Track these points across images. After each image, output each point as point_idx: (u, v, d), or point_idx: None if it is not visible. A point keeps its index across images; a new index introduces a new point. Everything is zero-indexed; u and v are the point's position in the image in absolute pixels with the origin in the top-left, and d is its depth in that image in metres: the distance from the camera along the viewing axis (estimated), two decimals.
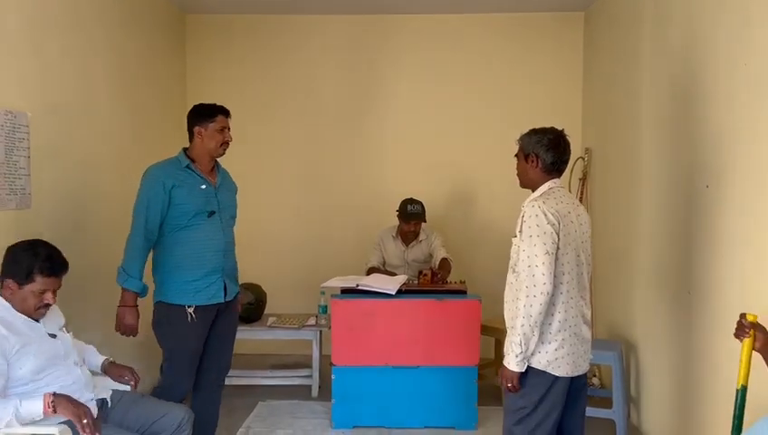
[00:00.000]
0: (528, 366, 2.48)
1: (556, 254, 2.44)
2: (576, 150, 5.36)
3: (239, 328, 4.57)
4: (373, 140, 5.59)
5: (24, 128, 3.12)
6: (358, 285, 3.99)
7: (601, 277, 4.87)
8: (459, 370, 3.94)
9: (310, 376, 4.66)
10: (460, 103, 5.53)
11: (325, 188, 5.61)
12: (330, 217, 5.58)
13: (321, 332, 4.61)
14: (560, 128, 2.67)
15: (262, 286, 4.85)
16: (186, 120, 3.20)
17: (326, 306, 4.60)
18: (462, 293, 4.07)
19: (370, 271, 4.54)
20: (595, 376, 4.66)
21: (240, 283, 4.78)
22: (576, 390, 2.61)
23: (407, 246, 4.69)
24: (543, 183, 2.60)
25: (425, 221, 4.64)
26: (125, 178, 4.19)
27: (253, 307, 4.70)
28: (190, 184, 3.06)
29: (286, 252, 5.58)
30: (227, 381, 4.66)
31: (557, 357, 2.48)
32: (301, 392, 4.63)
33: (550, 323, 2.47)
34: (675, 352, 3.48)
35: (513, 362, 2.46)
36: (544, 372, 2.48)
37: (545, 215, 2.43)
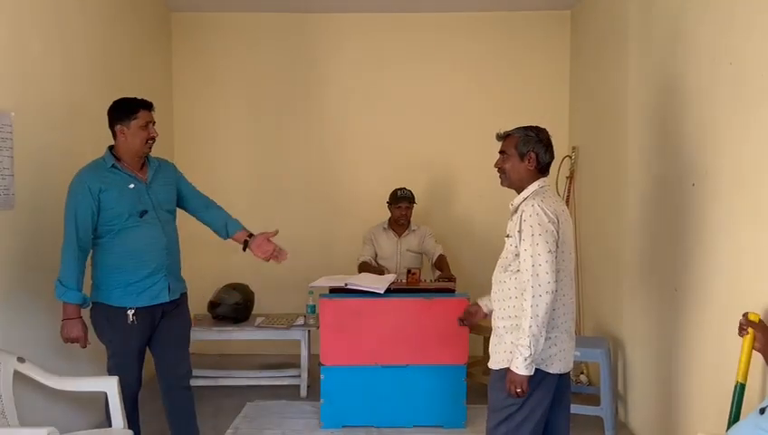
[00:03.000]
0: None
1: (559, 253, 2.44)
2: (563, 149, 5.40)
3: (228, 328, 4.60)
4: (359, 139, 5.57)
5: (7, 128, 3.08)
6: (346, 285, 3.98)
7: (589, 275, 4.89)
8: (448, 368, 3.94)
9: (298, 376, 4.65)
10: (446, 101, 5.53)
11: (313, 186, 5.60)
12: (317, 216, 5.56)
13: (309, 331, 4.59)
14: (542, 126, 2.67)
15: (249, 286, 4.83)
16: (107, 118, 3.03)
17: (314, 306, 4.59)
18: (450, 291, 4.07)
19: (362, 266, 4.53)
20: (583, 373, 4.68)
21: (228, 283, 4.81)
22: (563, 386, 2.62)
23: (399, 236, 4.71)
24: (533, 182, 2.58)
25: (415, 203, 4.69)
26: None
27: (240, 307, 4.68)
28: (119, 185, 2.92)
29: None
30: (215, 382, 4.69)
31: (551, 354, 2.48)
32: (289, 392, 4.61)
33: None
34: (662, 349, 3.51)
35: (522, 367, 2.37)
36: (537, 369, 2.46)
37: (545, 213, 2.42)
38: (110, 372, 3.04)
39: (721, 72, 2.86)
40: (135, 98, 3.02)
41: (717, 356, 2.80)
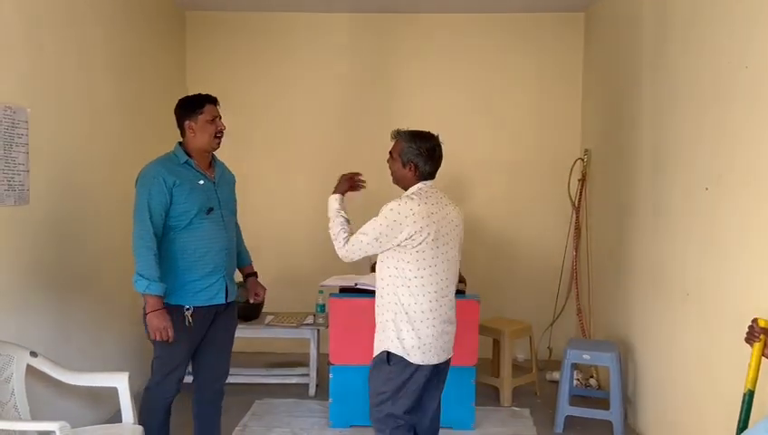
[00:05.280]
0: (389, 352, 2.69)
1: (418, 250, 2.62)
2: (575, 151, 5.39)
3: (237, 326, 4.60)
4: (371, 138, 5.55)
5: (23, 124, 3.11)
6: (356, 284, 3.98)
7: (599, 278, 4.87)
8: (457, 370, 3.90)
9: (307, 375, 4.65)
10: (458, 103, 5.52)
11: (324, 185, 5.58)
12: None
13: (318, 330, 4.60)
14: (436, 133, 2.80)
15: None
16: (174, 116, 3.05)
17: (324, 305, 4.59)
18: (460, 293, 4.06)
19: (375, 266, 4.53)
20: (592, 377, 4.66)
21: (238, 281, 4.81)
22: (438, 373, 2.80)
23: None
24: (414, 185, 2.77)
25: None
26: (123, 175, 4.17)
27: (251, 305, 4.67)
28: (191, 181, 2.93)
29: (285, 250, 5.57)
30: None
31: (413, 346, 2.66)
32: (298, 391, 4.62)
33: (406, 313, 2.66)
34: (672, 354, 3.49)
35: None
36: (403, 359, 2.66)
37: (399, 213, 2.61)
38: (156, 374, 3.00)
39: (737, 76, 2.83)
40: (200, 93, 3.06)
41: (728, 362, 2.78)
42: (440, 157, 2.79)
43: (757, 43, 2.68)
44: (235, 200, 3.26)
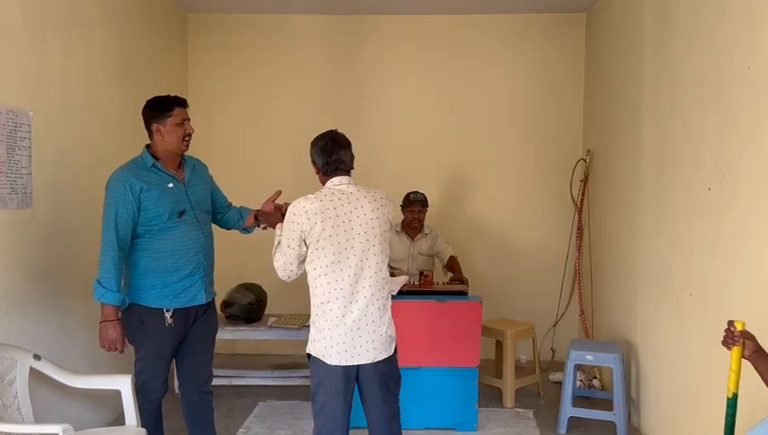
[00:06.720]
0: (308, 353, 2.72)
1: (318, 247, 2.60)
2: (577, 152, 5.39)
3: (240, 328, 4.62)
4: (372, 141, 5.57)
5: (25, 127, 3.11)
6: None
7: (603, 279, 4.86)
8: (460, 371, 3.93)
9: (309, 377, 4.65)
10: (460, 105, 5.53)
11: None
12: None
13: None
14: (335, 128, 2.82)
15: (262, 286, 4.84)
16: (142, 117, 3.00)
17: None
18: (463, 294, 4.07)
19: None
20: (596, 378, 4.66)
21: (240, 283, 4.82)
22: (369, 378, 2.73)
23: (412, 239, 4.71)
24: (325, 183, 2.77)
25: (428, 206, 4.70)
26: None
27: (253, 307, 4.69)
28: (159, 185, 2.88)
29: None
30: (227, 382, 4.71)
31: (326, 346, 2.65)
32: (301, 393, 4.61)
33: (321, 313, 2.65)
34: (676, 354, 3.48)
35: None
36: (318, 359, 2.67)
37: (293, 213, 2.64)
38: (139, 376, 2.99)
39: (739, 75, 2.83)
40: (169, 95, 3.00)
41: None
42: (333, 149, 2.72)
43: (759, 43, 2.67)
44: (209, 199, 3.17)
